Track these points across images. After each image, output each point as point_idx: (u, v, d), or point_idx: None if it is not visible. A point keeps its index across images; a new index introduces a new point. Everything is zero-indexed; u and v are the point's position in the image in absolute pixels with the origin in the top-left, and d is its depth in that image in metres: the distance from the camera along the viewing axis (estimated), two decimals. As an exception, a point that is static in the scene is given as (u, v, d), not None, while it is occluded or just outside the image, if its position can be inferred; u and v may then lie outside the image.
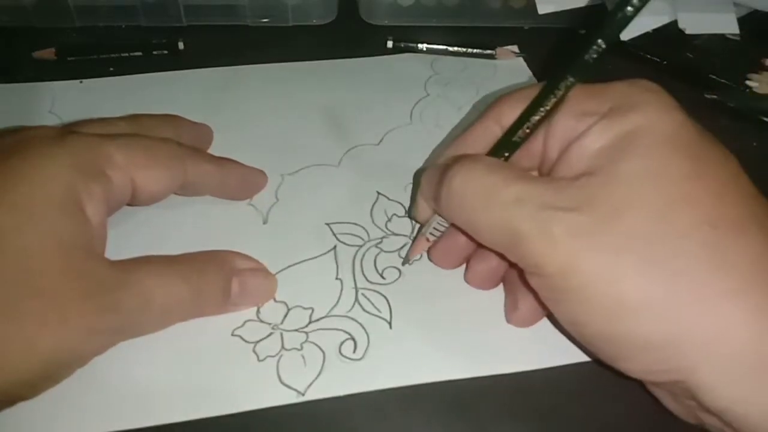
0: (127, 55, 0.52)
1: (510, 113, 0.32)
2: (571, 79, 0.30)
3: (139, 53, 0.52)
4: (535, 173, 0.34)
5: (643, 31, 0.54)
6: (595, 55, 0.29)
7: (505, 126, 0.33)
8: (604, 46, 0.28)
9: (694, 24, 0.54)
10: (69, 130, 0.34)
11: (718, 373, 0.26)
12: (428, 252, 0.38)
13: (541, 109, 0.31)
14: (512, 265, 0.33)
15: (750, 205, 0.28)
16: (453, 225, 0.34)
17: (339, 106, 0.49)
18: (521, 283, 0.34)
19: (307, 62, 0.52)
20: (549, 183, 0.30)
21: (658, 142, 0.28)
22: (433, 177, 0.34)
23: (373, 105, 0.49)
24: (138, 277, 0.31)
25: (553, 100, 0.30)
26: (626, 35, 0.53)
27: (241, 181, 0.41)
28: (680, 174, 0.28)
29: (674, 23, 0.54)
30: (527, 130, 0.31)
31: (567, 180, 0.29)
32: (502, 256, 0.32)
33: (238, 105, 0.48)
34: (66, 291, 0.29)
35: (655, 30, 0.54)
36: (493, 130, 0.34)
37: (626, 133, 0.29)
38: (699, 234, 0.27)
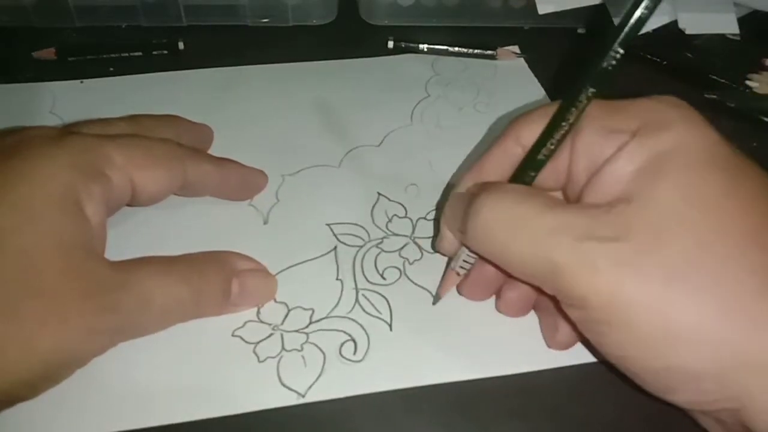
0: (127, 55, 0.52)
1: (529, 132, 0.31)
2: (592, 90, 0.29)
3: (139, 53, 0.52)
4: (559, 194, 0.33)
5: (643, 31, 0.54)
6: (613, 62, 0.28)
7: (526, 145, 0.31)
8: (622, 52, 0.28)
9: (694, 24, 0.54)
10: (69, 131, 0.34)
11: None
12: (458, 287, 0.36)
13: (563, 123, 0.29)
14: (547, 294, 0.31)
15: None
16: (482, 257, 0.33)
17: (340, 106, 0.49)
18: (557, 310, 0.32)
19: (308, 62, 0.52)
20: (584, 211, 0.28)
21: (693, 162, 0.27)
22: (458, 207, 0.33)
23: (373, 106, 0.49)
24: (138, 277, 0.31)
25: (575, 112, 0.29)
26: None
27: (241, 182, 0.41)
28: (719, 194, 0.27)
29: (674, 23, 0.54)
30: (551, 147, 0.30)
31: (603, 207, 0.28)
32: (535, 287, 0.31)
33: (239, 105, 0.48)
34: (65, 291, 0.29)
35: (655, 30, 0.54)
36: (514, 150, 0.32)
37: (660, 154, 0.28)
38: (744, 258, 0.26)
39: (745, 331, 0.25)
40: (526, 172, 0.31)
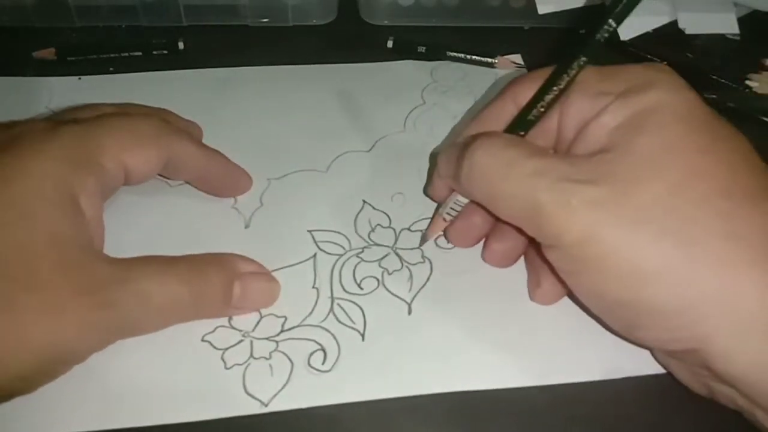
0: (127, 55, 0.52)
1: (525, 93, 0.33)
2: (583, 59, 0.31)
3: (139, 53, 0.52)
4: (551, 152, 0.35)
5: (643, 31, 0.54)
6: (606, 35, 0.30)
7: (521, 105, 0.33)
8: (614, 25, 0.30)
9: (694, 24, 0.54)
10: (58, 121, 0.34)
11: (732, 340, 0.27)
12: (445, 231, 0.38)
13: (555, 87, 0.31)
14: (531, 241, 0.34)
15: (761, 179, 0.29)
16: (471, 203, 0.35)
17: (334, 110, 0.48)
18: (541, 260, 0.34)
19: (308, 66, 0.52)
20: (566, 158, 0.31)
21: (673, 119, 0.29)
22: (451, 155, 0.34)
23: (367, 111, 0.48)
24: (136, 275, 0.31)
25: (566, 78, 0.31)
26: (626, 35, 0.53)
27: (223, 175, 0.40)
28: (694, 148, 0.29)
29: (674, 23, 0.54)
30: (542, 109, 0.32)
31: (585, 156, 0.30)
32: (519, 232, 0.33)
33: (235, 106, 0.48)
34: (61, 286, 0.29)
35: (655, 30, 0.54)
36: (509, 109, 0.34)
37: (642, 111, 0.30)
38: (712, 205, 0.28)
39: (707, 272, 0.27)
40: (516, 130, 0.33)
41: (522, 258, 0.38)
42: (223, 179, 0.40)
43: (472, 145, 0.32)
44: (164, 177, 0.40)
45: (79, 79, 0.50)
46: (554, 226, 0.29)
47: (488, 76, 0.52)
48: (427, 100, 0.50)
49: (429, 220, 0.40)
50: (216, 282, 0.34)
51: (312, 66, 0.52)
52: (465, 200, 0.35)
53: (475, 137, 0.33)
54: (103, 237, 0.34)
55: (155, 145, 0.35)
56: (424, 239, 0.39)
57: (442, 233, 0.39)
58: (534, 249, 0.36)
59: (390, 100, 0.49)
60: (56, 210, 0.30)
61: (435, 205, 0.41)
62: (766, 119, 0.49)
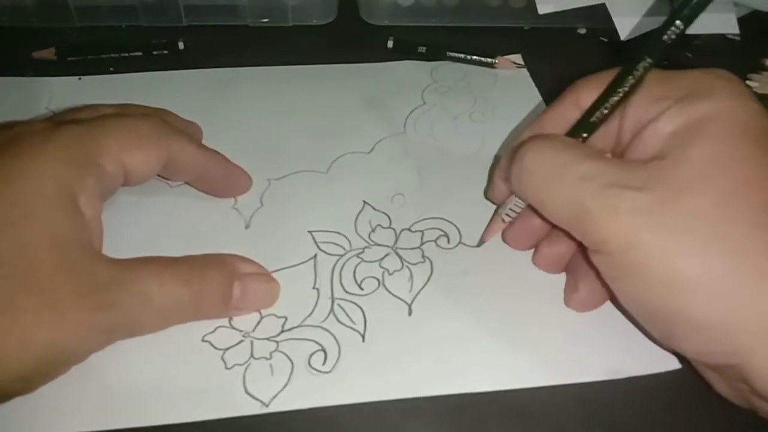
0: (127, 55, 0.52)
1: (588, 96, 0.33)
2: (649, 60, 0.30)
3: (139, 53, 0.52)
4: (609, 155, 0.35)
5: (643, 31, 0.54)
6: (673, 36, 0.29)
7: (583, 108, 0.33)
8: (682, 27, 0.29)
9: (694, 24, 0.53)
10: (58, 122, 0.34)
11: None
12: (503, 233, 0.39)
13: (619, 90, 0.31)
14: (579, 245, 0.34)
15: None
16: (529, 207, 0.35)
17: (334, 111, 0.48)
18: (584, 264, 0.35)
19: (308, 66, 0.52)
20: (618, 163, 0.31)
21: (728, 129, 0.29)
22: (508, 156, 0.35)
23: (368, 112, 0.48)
24: (136, 276, 0.31)
25: (632, 81, 0.31)
26: (626, 35, 0.53)
27: (223, 175, 0.40)
28: (746, 160, 0.28)
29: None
30: (605, 111, 0.32)
31: (637, 162, 0.30)
32: (569, 237, 0.33)
33: (236, 106, 0.48)
34: (61, 287, 0.29)
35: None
36: (571, 112, 0.34)
37: (698, 119, 0.29)
38: (757, 219, 0.27)
39: (750, 286, 0.27)
40: (579, 132, 0.33)
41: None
42: (222, 179, 0.40)
43: (524, 146, 0.32)
44: (164, 178, 0.40)
45: (79, 79, 0.50)
46: (600, 231, 0.29)
47: (488, 77, 0.52)
48: (427, 100, 0.50)
49: (429, 220, 0.40)
50: (216, 283, 0.33)
51: (312, 66, 0.52)
52: (524, 203, 0.36)
53: (529, 138, 0.33)
54: (102, 237, 0.34)
55: (155, 146, 0.35)
56: (482, 241, 0.39)
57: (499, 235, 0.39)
58: (580, 253, 0.36)
59: (390, 100, 0.49)
60: (56, 210, 0.30)
61: (436, 204, 0.41)
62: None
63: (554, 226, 0.35)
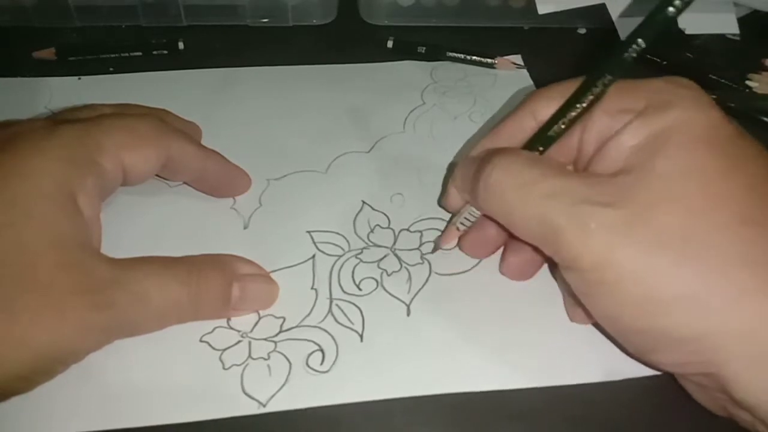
0: (127, 55, 0.52)
1: (545, 108, 0.33)
2: (609, 77, 0.30)
3: (139, 53, 0.52)
4: (570, 168, 0.35)
5: (642, 31, 0.54)
6: (634, 54, 0.29)
7: (541, 120, 0.33)
8: (643, 45, 0.29)
9: (694, 24, 0.53)
10: (58, 120, 0.34)
11: (748, 369, 0.26)
12: (459, 242, 0.38)
13: (578, 105, 0.31)
14: (547, 258, 0.34)
15: None
16: (485, 216, 0.35)
17: (334, 111, 0.48)
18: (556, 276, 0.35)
19: (308, 66, 0.52)
20: (585, 178, 0.30)
21: (693, 140, 0.29)
22: (468, 169, 0.34)
23: (367, 111, 0.48)
24: (135, 276, 0.31)
25: (590, 97, 0.30)
26: (626, 35, 0.53)
27: (222, 175, 0.40)
28: (714, 172, 0.28)
29: (674, 23, 0.54)
30: (563, 126, 0.31)
31: (604, 177, 0.30)
32: (536, 249, 0.32)
33: (236, 107, 0.48)
34: (60, 286, 0.29)
35: (655, 30, 0.54)
36: (528, 123, 0.34)
37: (661, 131, 0.29)
38: (732, 231, 0.27)
39: (726, 299, 0.26)
40: (535, 146, 0.33)
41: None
42: (221, 179, 0.40)
43: (489, 163, 0.32)
44: (163, 178, 0.40)
45: (79, 79, 0.50)
46: (571, 249, 0.28)
47: (488, 77, 0.52)
48: (426, 100, 0.50)
49: (428, 221, 0.40)
50: (215, 283, 0.33)
51: (312, 66, 0.52)
52: (479, 212, 0.35)
53: (492, 153, 0.32)
54: (100, 237, 0.34)
55: (154, 145, 0.35)
56: (435, 248, 0.39)
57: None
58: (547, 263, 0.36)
59: (390, 100, 0.49)
60: (56, 209, 0.30)
61: (434, 204, 0.41)
62: (766, 119, 0.48)
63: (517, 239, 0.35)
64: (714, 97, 0.47)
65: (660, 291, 0.27)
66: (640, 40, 0.29)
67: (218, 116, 0.47)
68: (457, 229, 0.37)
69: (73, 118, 0.35)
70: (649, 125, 0.29)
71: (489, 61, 0.53)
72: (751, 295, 0.26)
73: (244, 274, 0.35)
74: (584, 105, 0.31)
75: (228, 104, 0.48)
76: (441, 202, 0.41)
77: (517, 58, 0.53)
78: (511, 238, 0.36)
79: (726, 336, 0.26)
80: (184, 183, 0.41)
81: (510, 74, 0.53)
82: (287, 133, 0.46)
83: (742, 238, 0.27)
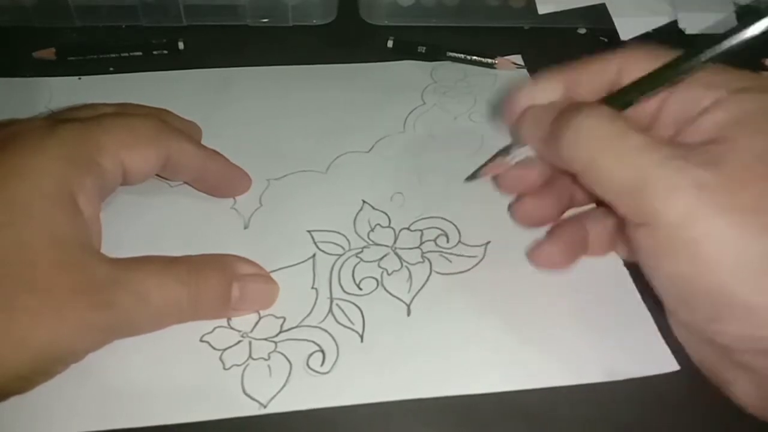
0: (127, 55, 0.52)
1: (634, 68, 0.33)
2: (707, 63, 0.30)
3: (139, 53, 0.52)
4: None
5: (643, 31, 0.54)
6: (736, 41, 0.30)
7: (623, 80, 0.33)
8: (749, 36, 0.30)
9: (694, 24, 0.54)
10: (57, 120, 0.34)
11: None
12: (500, 175, 0.38)
13: (666, 82, 0.31)
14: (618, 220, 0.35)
15: None
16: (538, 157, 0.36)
17: (334, 111, 0.48)
18: (569, 231, 0.37)
19: (308, 66, 0.52)
20: (676, 142, 0.30)
21: None
22: (545, 113, 0.34)
23: (367, 111, 0.48)
24: (135, 275, 0.31)
25: (682, 77, 0.31)
26: (626, 35, 0.53)
27: (222, 175, 0.40)
28: None
29: (674, 23, 0.54)
30: (644, 96, 0.32)
31: (694, 143, 0.29)
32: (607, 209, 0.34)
33: (236, 106, 0.48)
34: (60, 285, 0.29)
35: (655, 30, 0.54)
36: (610, 76, 0.34)
37: (758, 109, 0.29)
38: None
39: None
40: (616, 104, 0.32)
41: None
42: (221, 179, 0.40)
43: (580, 111, 0.31)
44: (163, 177, 0.40)
45: (79, 79, 0.50)
46: (656, 202, 0.28)
47: (488, 77, 0.52)
48: (427, 100, 0.50)
49: (428, 220, 0.40)
50: (215, 283, 0.33)
51: (312, 66, 0.52)
52: (527, 152, 0.36)
53: (579, 104, 0.32)
54: (100, 237, 0.34)
55: (154, 145, 0.35)
56: (475, 176, 0.40)
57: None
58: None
59: (390, 100, 0.49)
60: (55, 209, 0.30)
61: (435, 203, 0.41)
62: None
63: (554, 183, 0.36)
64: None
65: (742, 254, 0.27)
66: (750, 34, 0.30)
67: (218, 116, 0.47)
68: (504, 159, 0.37)
69: (72, 117, 0.35)
70: (745, 103, 0.29)
71: (489, 61, 0.53)
72: None
73: (244, 275, 0.35)
74: (672, 81, 0.31)
75: (228, 104, 0.48)
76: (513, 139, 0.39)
77: (518, 58, 0.53)
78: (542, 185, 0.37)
79: None
80: (185, 183, 0.41)
81: (510, 74, 0.52)
82: (287, 133, 0.46)
83: None
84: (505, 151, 0.38)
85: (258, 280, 0.36)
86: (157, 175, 0.37)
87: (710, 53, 0.30)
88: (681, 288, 0.29)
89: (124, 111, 0.38)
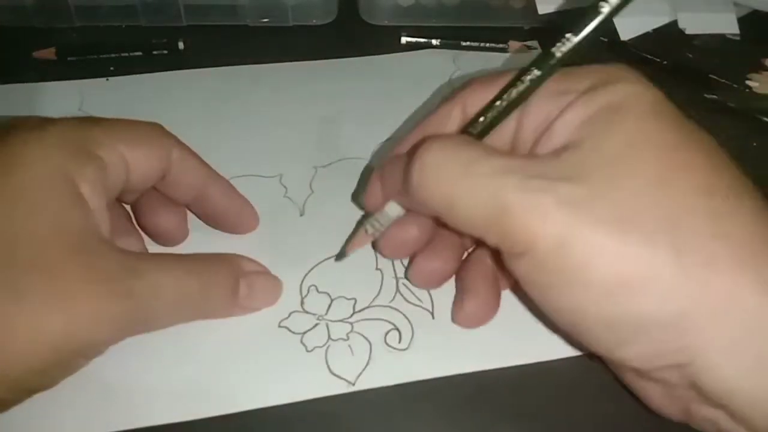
0: (127, 55, 0.51)
1: (477, 99, 0.31)
2: (537, 72, 0.29)
3: (139, 53, 0.51)
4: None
5: (643, 31, 0.54)
6: (564, 49, 0.28)
7: (471, 113, 0.31)
8: (574, 40, 0.28)
9: (694, 24, 0.54)
10: (54, 118, 0.33)
11: (725, 351, 0.25)
12: (378, 243, 0.35)
13: (516, 100, 0.29)
14: (494, 255, 0.32)
15: (737, 176, 0.27)
16: (410, 214, 0.33)
17: (368, 100, 0.49)
18: (471, 277, 0.34)
19: (312, 62, 0.52)
20: (531, 157, 0.28)
21: (642, 113, 0.27)
22: (395, 165, 0.32)
23: (403, 99, 0.48)
24: (149, 267, 0.30)
25: (521, 86, 0.29)
26: (626, 35, 0.53)
27: (226, 198, 0.38)
28: (670, 143, 0.27)
29: (674, 23, 0.54)
30: (500, 108, 0.30)
31: (550, 154, 0.28)
32: (451, 252, 0.33)
33: (235, 106, 0.48)
34: (71, 273, 0.28)
35: (655, 30, 0.54)
36: (456, 116, 0.33)
37: (608, 106, 0.28)
38: (696, 203, 0.26)
39: (697, 274, 0.25)
40: (468, 131, 0.31)
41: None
42: (224, 207, 0.38)
43: (423, 146, 0.29)
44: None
45: (107, 80, 0.49)
46: (525, 230, 0.26)
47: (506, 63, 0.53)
48: (456, 86, 0.50)
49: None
50: (224, 275, 0.33)
51: (316, 62, 0.52)
52: (392, 215, 0.33)
53: (424, 140, 0.30)
54: (109, 230, 0.33)
55: (156, 145, 0.34)
56: (342, 255, 0.37)
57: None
58: (468, 265, 0.35)
59: (422, 87, 0.50)
60: (59, 196, 0.29)
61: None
62: (766, 119, 0.48)
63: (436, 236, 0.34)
64: (714, 97, 0.48)
65: (631, 272, 0.25)
66: (569, 35, 0.28)
67: (218, 116, 0.47)
68: (366, 232, 0.34)
69: (71, 117, 0.35)
70: (595, 101, 0.28)
71: (501, 45, 0.54)
72: (724, 269, 0.25)
73: (250, 271, 0.35)
74: (511, 97, 0.29)
75: (228, 104, 0.48)
76: (362, 200, 0.36)
77: (534, 44, 0.54)
78: (428, 243, 0.34)
79: (701, 317, 0.25)
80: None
81: (525, 56, 0.53)
82: (326, 123, 0.47)
83: (709, 209, 0.25)
84: (362, 222, 0.35)
85: (264, 277, 0.36)
86: (158, 189, 0.36)
87: (537, 69, 0.29)
88: (574, 318, 0.27)
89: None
